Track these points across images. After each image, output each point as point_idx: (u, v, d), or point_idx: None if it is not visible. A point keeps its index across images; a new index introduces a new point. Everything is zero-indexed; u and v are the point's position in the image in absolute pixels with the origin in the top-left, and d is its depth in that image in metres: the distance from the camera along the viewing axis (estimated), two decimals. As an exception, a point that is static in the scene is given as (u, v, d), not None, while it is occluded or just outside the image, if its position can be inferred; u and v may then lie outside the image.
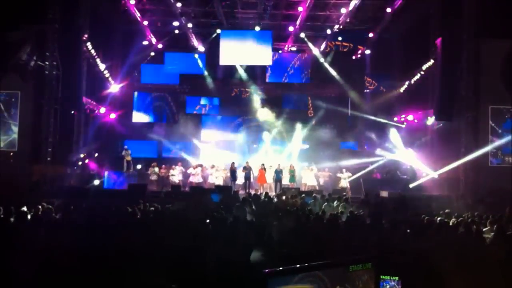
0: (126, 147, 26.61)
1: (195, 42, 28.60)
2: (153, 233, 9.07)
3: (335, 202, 16.89)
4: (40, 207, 12.39)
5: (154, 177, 25.14)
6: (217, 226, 10.01)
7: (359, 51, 28.79)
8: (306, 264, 3.35)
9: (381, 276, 4.42)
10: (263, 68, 29.16)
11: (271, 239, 8.78)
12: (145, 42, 28.39)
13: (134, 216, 12.13)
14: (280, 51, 29.35)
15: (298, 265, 3.32)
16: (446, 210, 14.39)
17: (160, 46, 28.88)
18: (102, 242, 7.68)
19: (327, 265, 3.49)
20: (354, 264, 3.64)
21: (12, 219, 10.55)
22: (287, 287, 3.21)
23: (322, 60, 29.27)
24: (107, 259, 6.70)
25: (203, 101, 29.99)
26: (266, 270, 3.17)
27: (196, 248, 6.99)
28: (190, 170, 25.33)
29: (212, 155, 28.61)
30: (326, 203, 16.84)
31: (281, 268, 3.24)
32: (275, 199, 18.40)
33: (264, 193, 19.91)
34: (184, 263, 6.46)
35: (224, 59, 27.98)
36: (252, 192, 22.65)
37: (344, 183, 24.34)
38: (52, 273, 6.08)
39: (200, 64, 29.23)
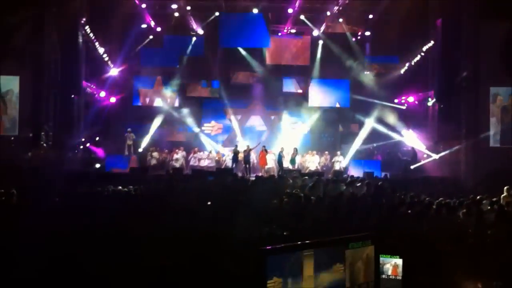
0: (129, 129, 26.57)
1: (194, 25, 28.43)
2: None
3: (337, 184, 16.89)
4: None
5: (153, 162, 25.19)
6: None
7: (359, 33, 28.61)
8: (306, 242, 3.34)
9: (383, 255, 4.42)
10: (262, 51, 28.99)
11: (272, 220, 8.80)
12: (144, 25, 28.20)
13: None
14: (279, 34, 29.16)
15: (298, 242, 3.31)
16: (447, 191, 14.41)
17: (159, 29, 28.71)
18: (105, 224, 7.71)
19: (327, 243, 3.49)
20: (353, 242, 3.64)
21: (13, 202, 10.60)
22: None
23: (321, 42, 29.09)
24: (110, 241, 6.72)
25: (203, 84, 29.83)
26: (266, 247, 3.16)
27: (196, 228, 7.02)
28: (196, 155, 25.49)
29: (213, 138, 28.69)
30: (328, 185, 16.86)
31: (281, 245, 3.23)
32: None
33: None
34: (185, 243, 6.48)
35: (223, 42, 27.85)
36: (253, 175, 22.69)
37: (338, 165, 24.55)
38: (54, 254, 6.11)
39: (199, 47, 29.04)
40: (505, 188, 13.44)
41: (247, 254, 5.10)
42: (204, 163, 25.50)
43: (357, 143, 26.30)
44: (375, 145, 26.99)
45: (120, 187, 14.71)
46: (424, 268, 6.17)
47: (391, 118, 26.54)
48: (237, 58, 29.04)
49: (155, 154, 25.51)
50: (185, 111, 28.63)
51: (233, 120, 29.58)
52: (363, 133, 26.67)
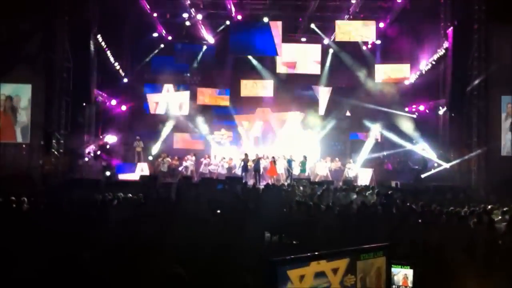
0: (138, 137, 26.69)
1: (204, 33, 28.54)
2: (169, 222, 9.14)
3: (346, 193, 16.83)
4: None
5: (164, 168, 25.25)
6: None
7: (370, 41, 28.58)
8: (317, 253, 3.33)
9: (393, 265, 4.40)
10: (273, 59, 28.98)
11: (281, 228, 8.80)
12: (155, 34, 28.34)
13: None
14: (290, 42, 29.16)
15: (308, 253, 3.30)
16: (458, 200, 14.34)
17: (170, 38, 28.85)
18: (114, 232, 7.73)
19: (338, 254, 3.48)
20: (365, 253, 3.62)
21: (24, 209, 10.65)
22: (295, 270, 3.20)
23: (332, 50, 29.10)
24: (119, 248, 6.75)
25: (214, 93, 29.84)
26: (276, 258, 3.15)
27: (206, 236, 7.03)
28: (207, 161, 25.60)
29: (224, 146, 28.75)
30: (338, 193, 16.82)
31: (291, 256, 3.22)
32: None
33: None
34: (194, 251, 6.50)
35: (234, 51, 27.88)
36: (263, 183, 22.65)
37: (350, 172, 24.51)
38: (64, 260, 6.13)
39: (210, 55, 29.14)
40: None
41: (258, 264, 5.10)
42: (215, 169, 25.56)
43: (365, 151, 26.31)
44: (385, 153, 26.92)
45: (130, 195, 14.77)
46: (434, 277, 6.14)
47: (402, 127, 26.48)
48: (248, 67, 29.11)
49: (168, 159, 25.59)
50: (196, 119, 28.69)
51: (243, 128, 29.64)
52: (370, 142, 26.70)
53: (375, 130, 27.35)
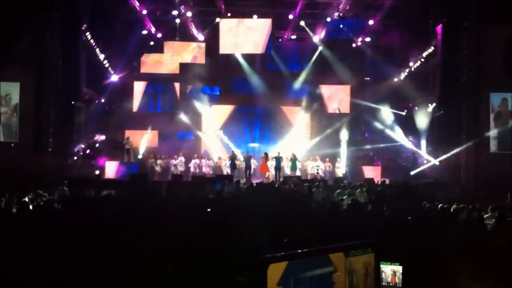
0: (127, 136, 26.62)
1: (194, 31, 28.48)
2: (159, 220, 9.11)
3: (339, 191, 16.85)
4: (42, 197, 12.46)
5: (158, 168, 25.22)
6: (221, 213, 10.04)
7: (359, 39, 28.62)
8: (307, 249, 3.35)
9: (382, 262, 4.42)
10: (263, 57, 28.96)
11: (272, 226, 8.79)
12: (145, 32, 28.24)
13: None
14: (279, 40, 29.17)
15: (299, 250, 3.32)
16: (447, 197, 14.41)
17: (159, 35, 28.75)
18: (104, 230, 7.70)
19: (327, 250, 3.49)
20: (354, 249, 3.64)
21: (14, 210, 10.56)
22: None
23: (322, 48, 29.11)
24: (110, 246, 6.73)
25: (203, 91, 29.79)
26: (267, 256, 3.16)
27: (197, 234, 7.03)
28: (196, 161, 25.52)
29: (214, 144, 28.70)
30: (328, 191, 16.85)
31: (282, 253, 3.24)
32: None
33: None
34: (188, 249, 6.49)
35: (224, 48, 27.82)
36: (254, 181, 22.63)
37: (339, 172, 24.57)
38: (55, 262, 6.11)
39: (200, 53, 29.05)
40: (509, 194, 13.57)
41: (249, 262, 5.10)
42: (205, 169, 25.54)
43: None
44: (369, 146, 27.00)
45: (119, 193, 14.75)
46: (424, 275, 6.16)
47: (391, 124, 26.58)
48: (238, 64, 29.05)
49: (159, 161, 25.56)
50: (186, 117, 28.63)
51: (234, 126, 29.63)
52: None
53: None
